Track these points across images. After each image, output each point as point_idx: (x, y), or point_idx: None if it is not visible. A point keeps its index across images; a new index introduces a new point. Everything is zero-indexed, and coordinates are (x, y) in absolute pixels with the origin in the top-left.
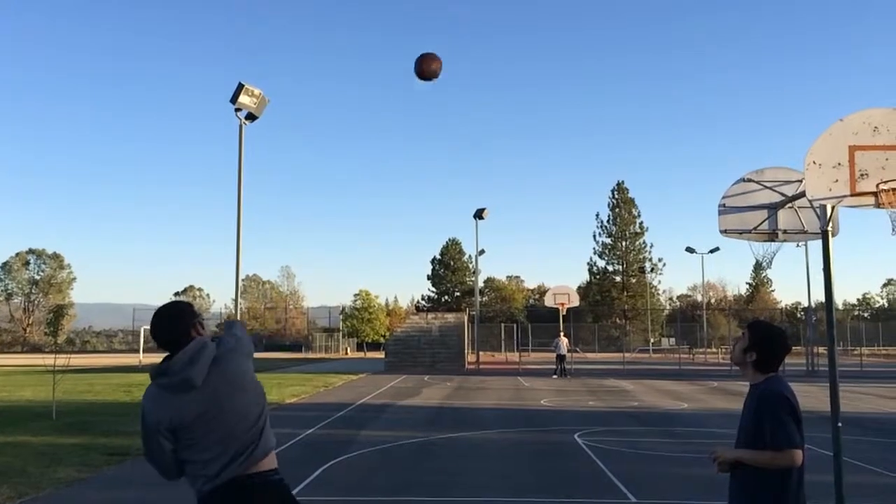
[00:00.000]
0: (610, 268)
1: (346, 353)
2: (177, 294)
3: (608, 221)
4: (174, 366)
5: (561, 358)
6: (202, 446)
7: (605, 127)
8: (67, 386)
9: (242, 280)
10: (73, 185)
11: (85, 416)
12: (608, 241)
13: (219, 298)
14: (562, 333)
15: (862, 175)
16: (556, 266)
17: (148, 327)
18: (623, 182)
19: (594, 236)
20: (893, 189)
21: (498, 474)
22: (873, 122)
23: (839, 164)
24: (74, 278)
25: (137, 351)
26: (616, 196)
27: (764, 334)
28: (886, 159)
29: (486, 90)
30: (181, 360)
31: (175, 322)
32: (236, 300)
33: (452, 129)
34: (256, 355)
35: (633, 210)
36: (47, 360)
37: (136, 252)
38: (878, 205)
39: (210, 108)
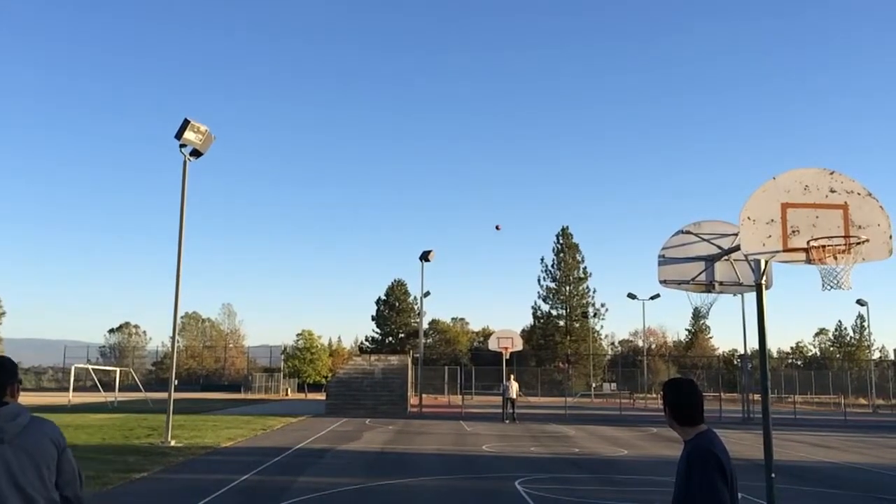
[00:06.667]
0: (554, 312)
1: (287, 395)
2: (111, 331)
3: (553, 266)
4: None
5: (511, 402)
6: None
7: (551, 174)
8: None
9: (181, 317)
10: (2, 217)
11: None
12: (552, 285)
13: (156, 336)
14: (512, 377)
15: (793, 231)
16: (502, 309)
17: (80, 365)
18: (567, 227)
19: (539, 280)
20: (823, 246)
21: None
22: (804, 181)
23: (772, 220)
24: (4, 312)
25: (67, 389)
26: (561, 241)
27: (668, 389)
28: (817, 217)
29: (432, 133)
30: (9, 412)
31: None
32: (174, 338)
33: (398, 171)
34: (193, 395)
35: (577, 255)
36: None
37: (69, 286)
38: (808, 261)
39: (153, 143)
